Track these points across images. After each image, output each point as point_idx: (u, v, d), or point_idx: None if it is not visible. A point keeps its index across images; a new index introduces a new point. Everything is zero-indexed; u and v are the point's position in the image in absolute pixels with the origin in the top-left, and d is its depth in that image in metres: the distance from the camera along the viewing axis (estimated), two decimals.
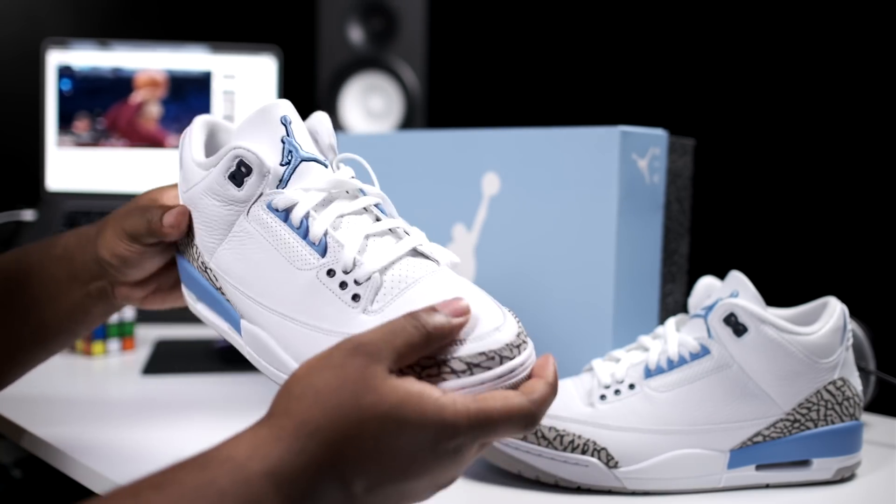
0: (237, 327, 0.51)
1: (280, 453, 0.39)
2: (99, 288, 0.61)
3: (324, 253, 0.48)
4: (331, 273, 0.47)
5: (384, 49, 1.48)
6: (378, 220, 0.50)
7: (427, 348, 0.43)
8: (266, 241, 0.49)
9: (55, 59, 1.37)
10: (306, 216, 0.49)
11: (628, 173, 0.69)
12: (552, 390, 0.45)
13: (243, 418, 0.73)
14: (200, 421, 0.74)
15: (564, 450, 0.59)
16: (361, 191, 0.51)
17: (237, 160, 0.49)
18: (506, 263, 0.76)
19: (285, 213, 0.49)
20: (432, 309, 0.44)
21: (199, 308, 0.54)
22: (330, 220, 0.48)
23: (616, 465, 0.59)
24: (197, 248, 0.53)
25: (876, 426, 0.78)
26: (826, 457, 0.62)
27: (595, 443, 0.59)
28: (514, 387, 0.44)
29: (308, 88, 1.57)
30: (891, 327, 0.88)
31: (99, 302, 0.62)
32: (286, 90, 1.45)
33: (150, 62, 1.38)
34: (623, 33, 1.39)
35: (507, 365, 0.44)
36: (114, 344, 0.97)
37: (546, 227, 0.73)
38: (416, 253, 0.49)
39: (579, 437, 0.59)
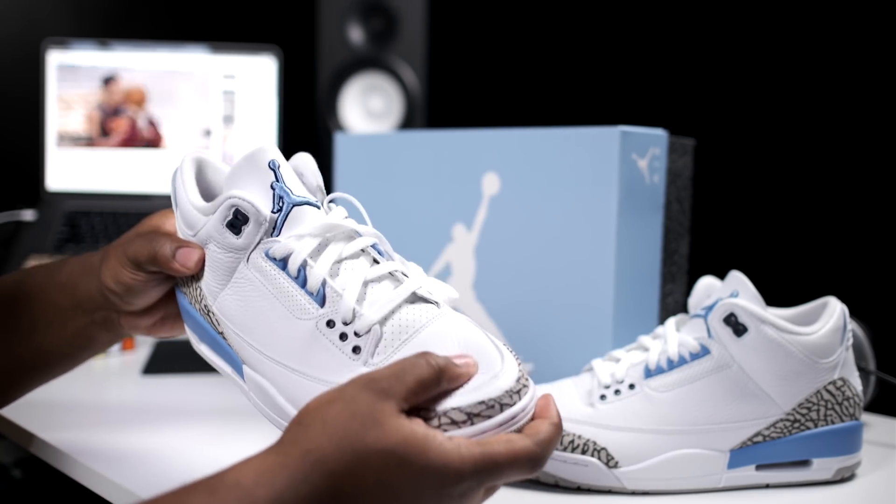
0: (240, 372, 0.51)
1: (285, 481, 0.40)
2: (104, 317, 0.60)
3: (322, 303, 0.47)
4: (330, 324, 0.47)
5: (384, 49, 1.48)
6: (376, 261, 0.50)
7: (437, 387, 0.43)
8: (266, 288, 0.49)
9: (55, 59, 1.36)
10: (303, 265, 0.48)
11: (628, 173, 0.69)
12: (557, 430, 0.45)
13: (243, 418, 0.73)
14: (200, 421, 0.74)
15: (564, 450, 0.59)
16: (356, 231, 0.51)
17: (233, 209, 0.49)
18: (506, 263, 0.76)
19: (283, 262, 0.49)
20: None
21: (202, 349, 0.54)
22: (327, 268, 0.48)
23: (616, 465, 0.59)
24: (201, 290, 0.52)
25: (876, 426, 0.78)
26: (826, 457, 0.62)
27: (595, 443, 0.59)
28: (519, 430, 0.44)
29: (308, 88, 1.57)
30: (891, 327, 0.88)
31: (103, 330, 0.61)
32: (286, 90, 1.45)
33: (150, 62, 1.38)
34: (623, 33, 1.39)
35: (508, 412, 0.44)
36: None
37: (546, 227, 0.73)
38: (415, 297, 0.48)
39: (579, 437, 0.59)
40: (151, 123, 1.38)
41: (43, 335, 0.60)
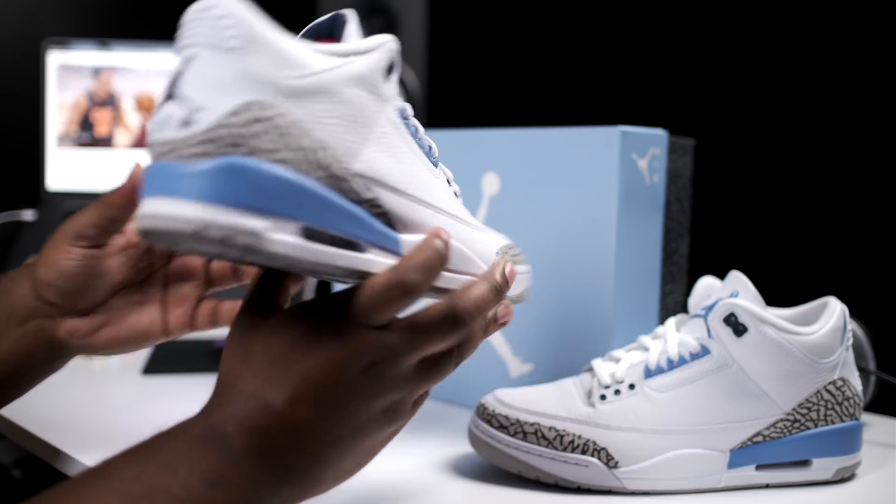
0: (395, 247, 0.42)
1: (205, 414, 0.41)
2: (36, 326, 0.54)
3: (436, 165, 0.47)
4: (449, 183, 0.48)
5: None
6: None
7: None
8: (404, 141, 0.44)
9: (55, 59, 1.37)
10: (416, 128, 0.46)
11: (628, 173, 0.69)
12: (484, 279, 0.44)
13: None
14: None
15: (564, 450, 0.59)
16: None
17: (391, 54, 0.43)
18: None
19: (407, 120, 0.45)
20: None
21: (312, 247, 0.38)
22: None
23: (616, 465, 0.59)
24: (326, 152, 0.39)
25: (876, 426, 0.78)
26: (826, 457, 0.62)
27: (595, 443, 0.59)
28: None
29: None
30: (891, 327, 0.88)
31: (37, 343, 0.54)
32: None
33: (150, 62, 1.38)
34: (623, 33, 1.39)
35: None
36: None
37: (546, 228, 0.73)
38: None
39: (579, 437, 0.59)
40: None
41: None
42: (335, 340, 0.39)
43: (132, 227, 0.55)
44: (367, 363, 0.40)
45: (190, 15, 0.38)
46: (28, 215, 1.35)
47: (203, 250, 0.37)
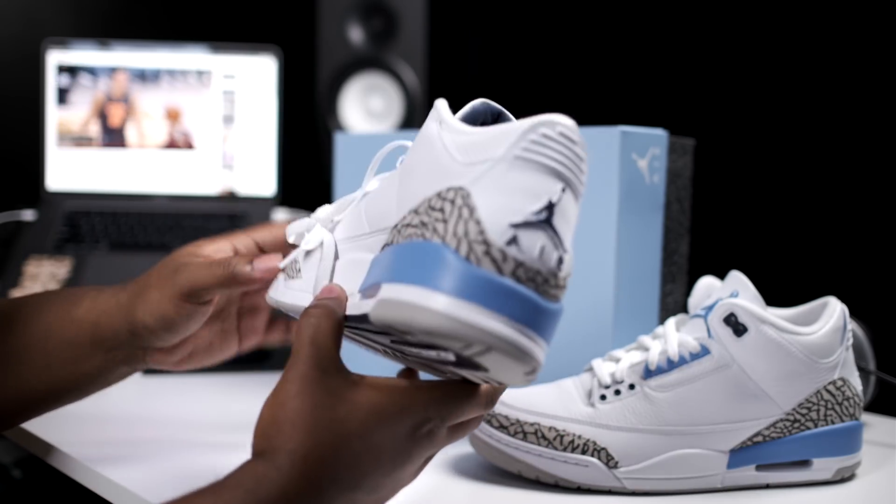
0: None
1: (282, 482, 0.41)
2: (127, 354, 0.59)
3: None
4: None
5: (384, 49, 1.48)
6: None
7: (332, 338, 0.45)
8: None
9: (55, 59, 1.36)
10: None
11: (628, 173, 0.69)
12: None
13: (243, 418, 0.73)
14: (200, 421, 0.74)
15: (564, 450, 0.59)
16: None
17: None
18: None
19: None
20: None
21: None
22: None
23: (616, 465, 0.59)
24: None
25: (876, 426, 0.78)
26: (826, 457, 0.62)
27: (595, 443, 0.59)
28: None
29: (308, 88, 1.57)
30: (891, 327, 0.88)
31: (123, 365, 0.60)
32: (286, 90, 1.45)
33: (150, 62, 1.38)
34: (623, 33, 1.39)
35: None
36: None
37: None
38: None
39: (579, 437, 0.59)
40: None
41: (58, 371, 0.59)
42: (424, 437, 0.45)
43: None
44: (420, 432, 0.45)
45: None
46: (28, 215, 1.35)
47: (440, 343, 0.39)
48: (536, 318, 0.37)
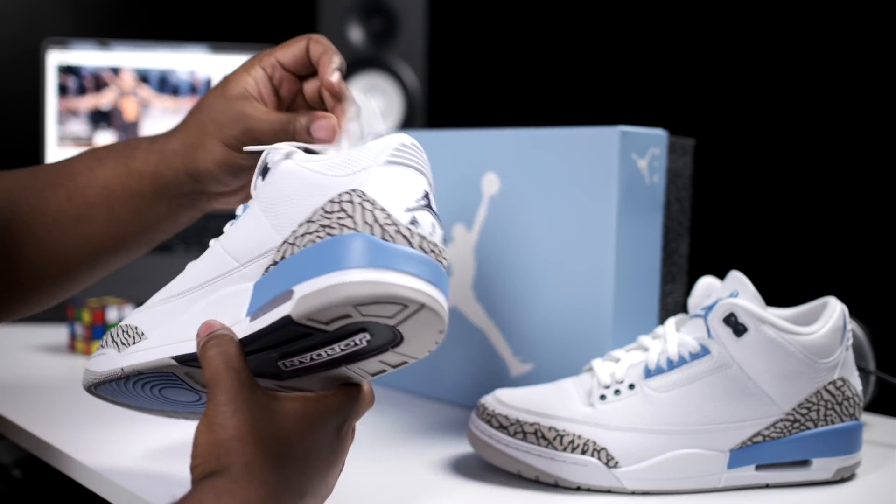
0: None
1: (242, 494, 0.43)
2: (190, 200, 0.60)
3: None
4: None
5: (384, 49, 1.48)
6: None
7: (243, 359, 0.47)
8: None
9: (55, 59, 1.36)
10: None
11: (628, 173, 0.69)
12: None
13: None
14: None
15: (564, 450, 0.59)
16: None
17: None
18: (506, 263, 0.76)
19: None
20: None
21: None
22: None
23: (616, 465, 0.59)
24: None
25: (876, 426, 0.78)
26: (826, 457, 0.62)
27: (595, 443, 0.59)
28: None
29: None
30: (891, 327, 0.88)
31: (189, 210, 0.61)
32: None
33: (150, 62, 1.38)
34: (623, 33, 1.39)
35: None
36: None
37: (546, 228, 0.73)
38: None
39: (579, 437, 0.59)
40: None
41: (125, 225, 0.61)
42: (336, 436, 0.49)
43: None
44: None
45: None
46: None
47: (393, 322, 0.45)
48: (444, 281, 0.46)
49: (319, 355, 0.48)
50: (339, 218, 0.45)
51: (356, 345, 0.47)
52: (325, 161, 0.49)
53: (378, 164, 0.47)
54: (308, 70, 0.60)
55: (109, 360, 0.52)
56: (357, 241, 0.44)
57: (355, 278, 0.43)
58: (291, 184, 0.48)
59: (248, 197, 0.61)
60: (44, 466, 0.70)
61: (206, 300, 0.50)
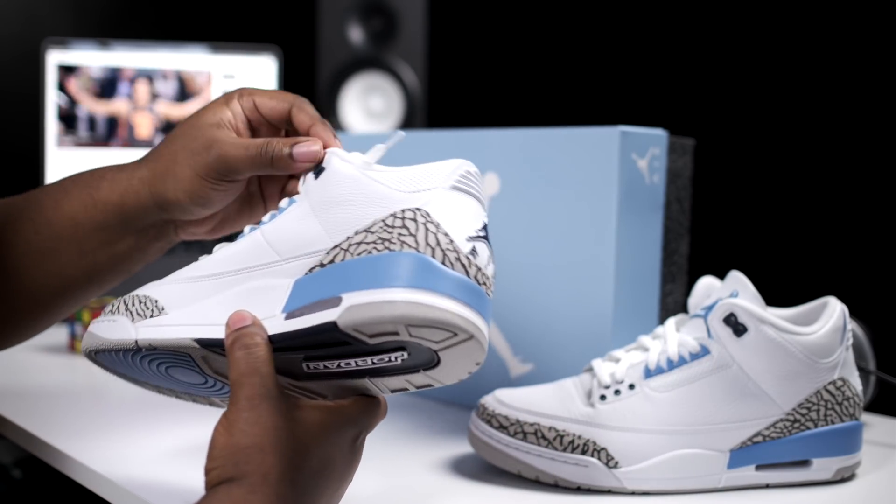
0: None
1: (262, 501, 0.42)
2: (157, 231, 0.59)
3: None
4: None
5: (384, 49, 1.48)
6: None
7: (271, 363, 0.46)
8: None
9: (55, 59, 1.36)
10: None
11: (628, 173, 0.69)
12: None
13: None
14: (200, 422, 0.74)
15: (564, 450, 0.59)
16: None
17: None
18: (506, 263, 0.76)
19: None
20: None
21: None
22: None
23: (616, 465, 0.59)
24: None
25: (876, 426, 0.78)
26: (826, 457, 0.62)
27: (595, 443, 0.59)
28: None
29: (308, 88, 1.57)
30: (891, 327, 0.88)
31: (157, 242, 0.60)
32: (286, 90, 1.45)
33: (150, 62, 1.38)
34: (623, 33, 1.39)
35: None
36: None
37: (546, 228, 0.73)
38: None
39: (579, 437, 0.59)
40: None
41: (93, 257, 0.59)
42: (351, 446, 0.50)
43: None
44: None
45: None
46: None
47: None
48: (490, 315, 0.46)
49: (349, 364, 0.47)
50: (401, 234, 0.45)
51: (390, 361, 0.46)
52: (388, 173, 0.48)
53: (444, 188, 0.47)
54: (285, 126, 0.59)
55: (122, 328, 0.51)
56: (416, 260, 0.44)
57: (412, 298, 0.43)
58: (350, 189, 0.48)
59: (216, 228, 0.60)
60: (44, 466, 0.70)
61: (237, 287, 0.49)
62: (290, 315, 0.46)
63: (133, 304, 0.51)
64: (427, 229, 0.45)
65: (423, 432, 0.72)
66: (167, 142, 0.58)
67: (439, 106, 1.57)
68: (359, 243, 0.46)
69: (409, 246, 0.44)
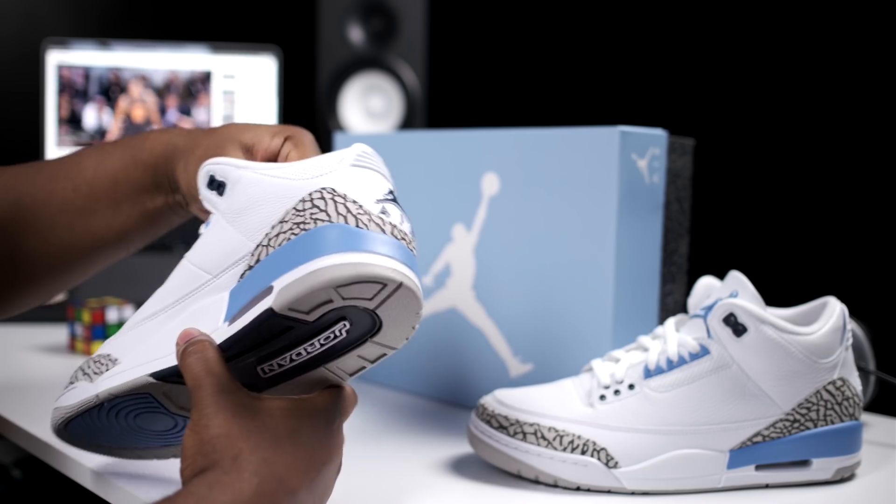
0: None
1: (235, 485, 0.43)
2: (181, 200, 0.62)
3: None
4: None
5: (384, 49, 1.48)
6: None
7: (223, 363, 0.47)
8: None
9: (55, 59, 1.36)
10: None
11: (628, 173, 0.69)
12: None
13: None
14: None
15: (564, 450, 0.59)
16: None
17: None
18: (505, 264, 0.76)
19: None
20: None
21: None
22: None
23: (616, 465, 0.59)
24: None
25: (876, 426, 0.78)
26: (826, 457, 0.62)
27: (595, 443, 0.59)
28: None
29: (308, 88, 1.57)
30: (891, 327, 0.88)
31: (180, 211, 0.63)
32: (286, 90, 1.45)
33: (150, 62, 1.38)
34: (623, 33, 1.39)
35: None
36: None
37: (546, 228, 0.73)
38: None
39: (579, 437, 0.59)
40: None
41: (127, 218, 0.62)
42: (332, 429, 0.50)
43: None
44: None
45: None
46: None
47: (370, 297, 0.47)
48: (416, 265, 0.48)
49: (299, 354, 0.48)
50: (313, 213, 0.47)
51: (336, 336, 0.48)
52: (286, 168, 0.50)
53: (343, 168, 0.49)
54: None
55: (82, 390, 0.52)
56: (332, 230, 0.46)
57: (335, 261, 0.44)
58: (256, 192, 0.50)
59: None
60: (44, 466, 0.70)
61: (180, 316, 0.51)
62: (232, 320, 0.47)
63: (89, 367, 0.53)
64: (335, 202, 0.47)
65: (423, 432, 0.73)
66: (209, 131, 0.61)
67: (439, 106, 1.57)
68: (277, 234, 0.48)
69: (323, 221, 0.47)
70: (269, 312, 0.45)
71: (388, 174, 0.51)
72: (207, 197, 0.52)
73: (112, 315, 0.96)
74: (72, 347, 0.98)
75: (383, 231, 0.47)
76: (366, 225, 0.47)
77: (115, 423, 0.54)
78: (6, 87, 1.52)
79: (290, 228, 0.47)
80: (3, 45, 1.52)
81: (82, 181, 0.62)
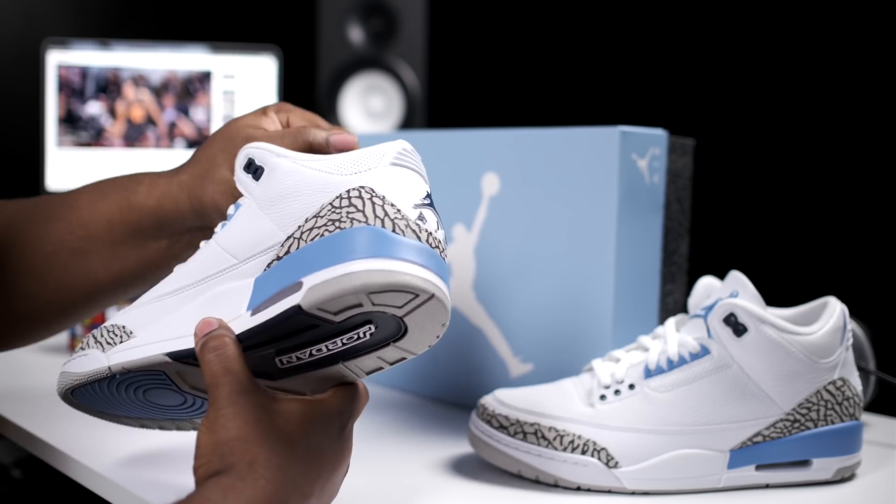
0: None
1: (249, 491, 0.43)
2: (191, 237, 0.60)
3: None
4: None
5: (384, 49, 1.48)
6: None
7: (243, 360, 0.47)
8: None
9: (55, 59, 1.37)
10: None
11: (628, 173, 0.69)
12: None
13: None
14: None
15: (564, 450, 0.59)
16: None
17: None
18: (505, 263, 0.76)
19: None
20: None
21: None
22: None
23: (616, 465, 0.59)
24: None
25: (876, 426, 0.78)
26: (826, 457, 0.62)
27: (595, 443, 0.59)
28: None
29: (308, 88, 1.57)
30: (891, 327, 0.88)
31: (188, 249, 0.61)
32: (286, 90, 1.45)
33: (150, 62, 1.38)
34: (623, 33, 1.39)
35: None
36: None
37: (546, 228, 0.73)
38: None
39: (579, 437, 0.59)
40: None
41: (124, 261, 0.60)
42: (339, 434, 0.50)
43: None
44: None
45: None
46: None
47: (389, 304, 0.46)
48: (447, 276, 0.47)
49: (320, 350, 0.48)
50: (349, 212, 0.46)
51: (359, 338, 0.47)
52: (326, 161, 0.49)
53: (384, 166, 0.48)
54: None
55: (94, 359, 0.51)
56: (368, 233, 0.45)
57: (369, 266, 0.44)
58: (293, 182, 0.49)
59: None
60: (44, 466, 0.70)
61: (201, 298, 0.50)
62: (255, 310, 0.47)
63: (102, 336, 0.52)
64: (374, 203, 0.46)
65: (423, 432, 0.73)
66: (205, 146, 0.59)
67: (439, 106, 1.57)
68: (310, 229, 0.47)
69: (359, 221, 0.46)
70: (296, 309, 0.44)
71: (426, 174, 0.51)
72: (243, 180, 0.50)
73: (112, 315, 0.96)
74: (72, 348, 0.98)
75: (419, 238, 0.46)
76: (402, 231, 0.46)
77: (124, 395, 0.53)
78: (6, 87, 1.52)
79: (325, 224, 0.47)
80: (3, 45, 1.52)
81: (77, 221, 0.61)
